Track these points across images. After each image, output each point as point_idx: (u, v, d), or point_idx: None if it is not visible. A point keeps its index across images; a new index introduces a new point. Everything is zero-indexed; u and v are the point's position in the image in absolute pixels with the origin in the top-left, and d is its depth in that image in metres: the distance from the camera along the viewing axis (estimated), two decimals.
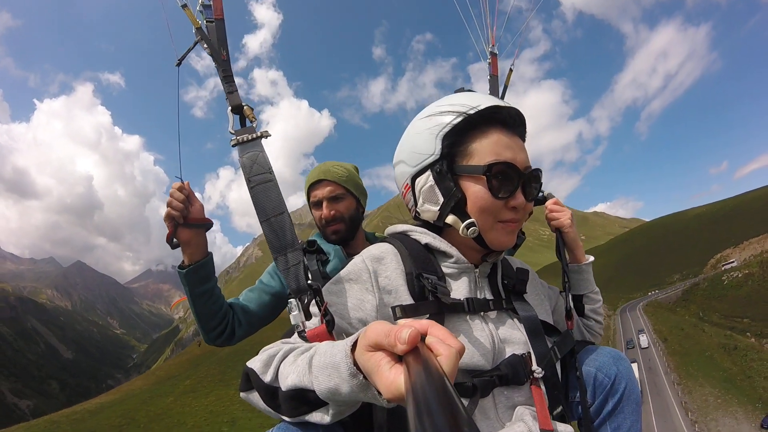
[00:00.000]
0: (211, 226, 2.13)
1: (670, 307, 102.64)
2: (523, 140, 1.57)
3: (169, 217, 1.99)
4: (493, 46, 2.96)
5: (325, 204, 2.59)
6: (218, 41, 2.09)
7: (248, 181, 1.86)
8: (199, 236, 2.07)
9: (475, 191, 1.46)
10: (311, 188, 2.66)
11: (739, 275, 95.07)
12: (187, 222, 2.03)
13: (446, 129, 1.47)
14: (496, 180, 1.44)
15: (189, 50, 2.15)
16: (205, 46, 2.07)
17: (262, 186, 1.86)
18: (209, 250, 2.14)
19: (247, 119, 2.03)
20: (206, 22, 2.10)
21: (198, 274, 2.08)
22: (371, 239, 2.79)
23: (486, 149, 1.45)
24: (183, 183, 2.04)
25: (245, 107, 2.03)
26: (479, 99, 1.48)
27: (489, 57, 2.96)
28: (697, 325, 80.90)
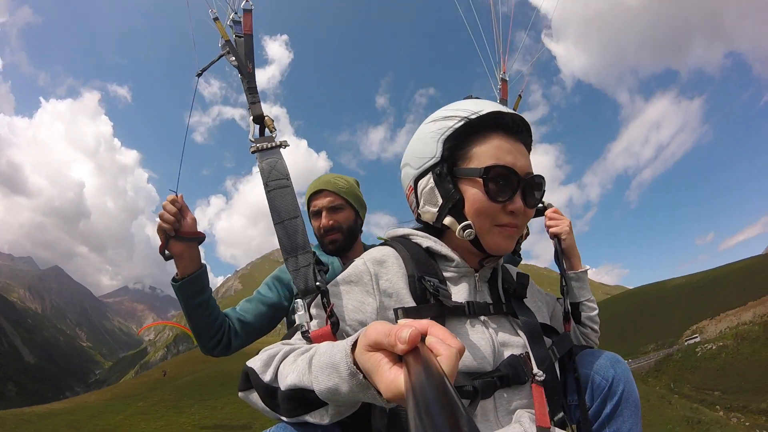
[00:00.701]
0: (204, 239, 2.14)
1: (642, 377, 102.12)
2: (528, 148, 1.58)
3: (161, 230, 2.02)
4: (504, 72, 3.06)
5: (324, 213, 2.65)
6: (245, 54, 2.16)
7: (266, 185, 1.88)
8: (192, 249, 2.09)
9: (472, 194, 1.47)
10: (311, 198, 2.73)
11: (713, 347, 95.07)
12: (179, 235, 2.04)
13: (448, 132, 1.49)
14: (493, 183, 1.44)
15: (213, 62, 2.23)
16: (232, 59, 2.14)
17: (279, 191, 1.88)
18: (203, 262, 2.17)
19: (267, 129, 2.08)
20: (235, 36, 2.20)
21: (192, 286, 2.10)
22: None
23: (486, 153, 1.46)
24: (177, 196, 2.06)
25: (266, 117, 2.07)
26: (483, 105, 1.50)
27: (500, 83, 3.06)
28: (665, 397, 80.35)
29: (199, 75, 2.35)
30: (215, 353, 2.32)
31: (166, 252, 2.08)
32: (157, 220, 2.05)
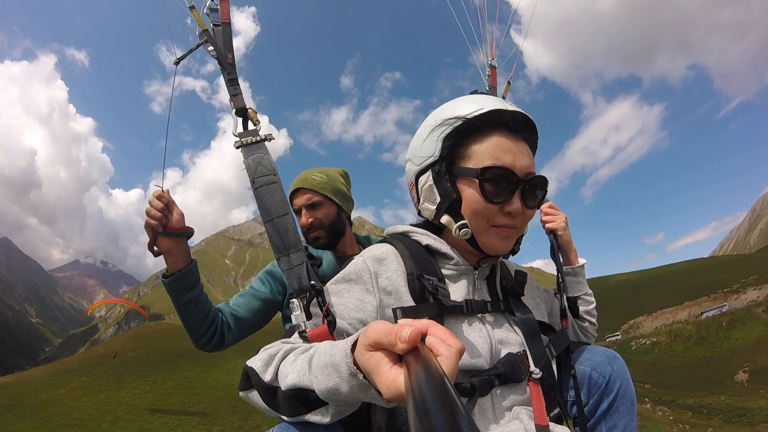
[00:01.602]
0: (192, 234, 2.12)
1: None
2: (532, 145, 1.56)
3: (148, 226, 1.99)
4: (492, 59, 3.07)
5: (303, 212, 2.63)
6: (224, 45, 2.13)
7: (253, 182, 1.90)
8: (180, 245, 2.07)
9: (469, 194, 1.47)
10: (291, 198, 2.68)
11: (647, 342, 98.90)
12: (167, 231, 2.02)
13: (447, 131, 1.48)
14: (490, 184, 1.43)
15: (191, 51, 2.19)
16: (210, 48, 2.11)
17: (267, 187, 1.89)
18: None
19: (250, 121, 2.06)
20: (213, 25, 2.15)
21: (181, 283, 2.09)
22: (365, 243, 2.83)
23: (485, 153, 1.45)
24: (163, 191, 2.04)
25: (249, 110, 2.06)
26: (484, 102, 1.47)
27: (488, 69, 3.07)
28: None
29: (176, 63, 2.30)
30: (208, 348, 2.28)
31: (155, 248, 2.05)
32: (145, 216, 2.02)
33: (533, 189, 1.50)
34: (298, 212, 2.66)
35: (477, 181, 1.44)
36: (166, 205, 2.02)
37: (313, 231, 2.61)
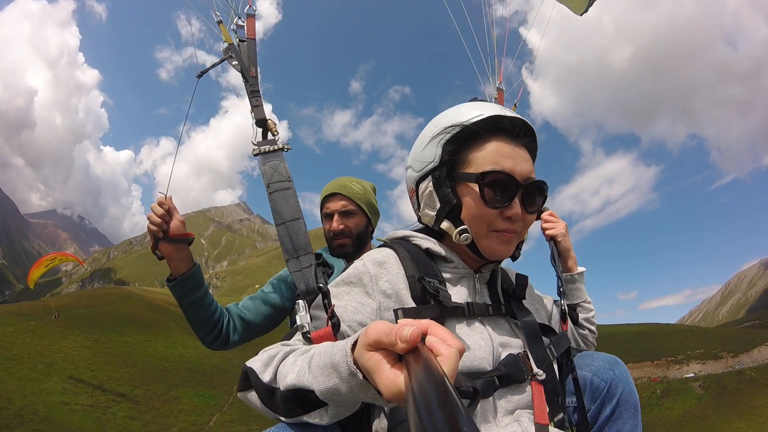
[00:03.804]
0: (193, 240, 2.19)
1: None
2: (532, 151, 1.56)
3: (149, 232, 2.06)
4: (500, 82, 3.08)
5: (335, 217, 2.63)
6: (248, 59, 2.25)
7: (268, 186, 1.99)
8: (181, 251, 2.13)
9: (469, 199, 1.47)
10: (325, 200, 2.70)
11: None
12: (167, 237, 2.08)
13: (447, 137, 1.48)
14: (490, 189, 1.43)
15: (214, 65, 2.35)
16: (235, 62, 2.24)
17: (282, 193, 1.98)
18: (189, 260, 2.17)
19: (269, 132, 2.18)
20: (239, 41, 2.28)
21: (184, 286, 2.14)
22: None
23: (485, 158, 1.45)
24: (166, 198, 2.10)
25: (269, 121, 2.17)
26: (484, 108, 1.48)
27: (495, 92, 3.08)
28: None
29: (199, 77, 2.39)
30: (214, 347, 2.30)
31: (158, 252, 2.10)
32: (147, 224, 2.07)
33: (533, 194, 1.50)
34: (329, 216, 2.66)
35: (477, 185, 1.44)
36: (167, 211, 2.08)
37: (341, 238, 2.61)
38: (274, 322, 2.54)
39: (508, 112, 1.49)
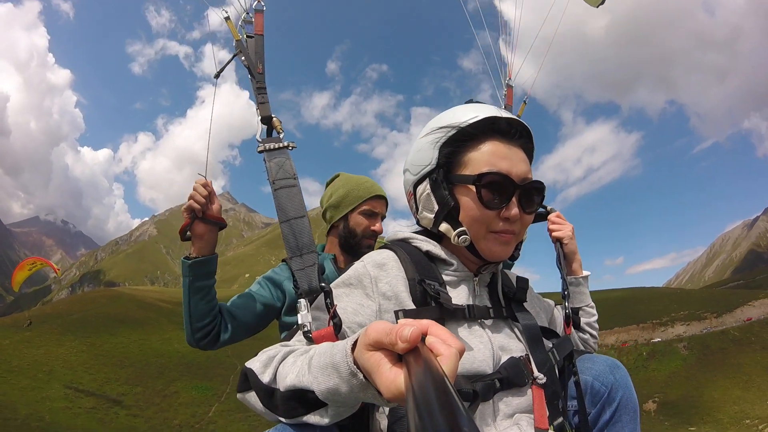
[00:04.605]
0: (225, 226, 2.23)
1: None
2: (528, 152, 1.56)
3: (189, 209, 2.10)
4: (510, 78, 3.13)
5: (379, 219, 2.71)
6: (255, 55, 2.25)
7: (272, 183, 1.98)
8: (212, 233, 2.18)
9: (467, 201, 1.47)
10: (371, 199, 2.70)
11: None
12: (206, 217, 2.13)
13: (443, 139, 1.49)
14: (487, 190, 1.43)
15: (227, 63, 2.33)
16: (243, 58, 2.24)
17: (286, 190, 1.97)
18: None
19: (274, 130, 2.16)
20: (246, 36, 2.28)
21: (203, 267, 2.16)
22: None
23: (481, 159, 1.46)
24: (207, 181, 2.16)
25: (274, 119, 2.15)
26: (479, 110, 1.48)
27: (505, 88, 3.12)
28: None
29: (216, 77, 2.42)
30: (202, 344, 2.24)
31: (187, 233, 2.15)
32: (188, 201, 2.11)
33: (531, 194, 1.51)
34: (374, 215, 2.70)
35: (474, 187, 1.44)
36: (209, 193, 2.13)
37: (373, 239, 2.67)
38: (264, 321, 2.50)
39: (503, 113, 1.50)
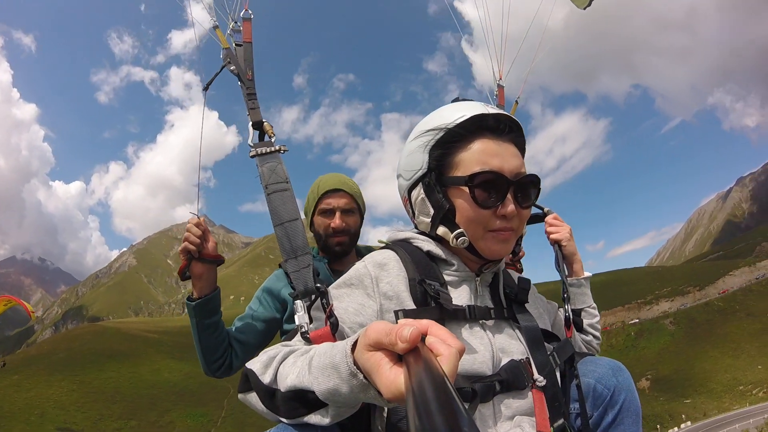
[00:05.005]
0: (223, 262, 2.22)
1: None
2: (520, 146, 1.54)
3: (185, 251, 2.09)
4: (500, 79, 3.08)
5: (338, 214, 2.55)
6: (245, 62, 2.26)
7: (266, 188, 1.98)
8: (211, 271, 2.17)
9: (461, 202, 1.46)
10: (325, 195, 2.60)
11: None
12: (202, 257, 2.11)
13: (432, 142, 1.47)
14: (480, 190, 1.42)
15: (216, 74, 2.31)
16: (233, 67, 2.25)
17: (279, 194, 1.97)
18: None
19: (266, 134, 2.16)
20: (235, 45, 2.29)
21: (207, 306, 2.16)
22: (364, 253, 2.70)
23: (472, 159, 1.43)
24: (200, 219, 2.13)
25: (265, 123, 2.15)
26: (466, 109, 1.46)
27: (496, 89, 3.09)
28: None
29: (205, 90, 2.41)
30: (218, 374, 2.29)
31: (186, 273, 2.13)
32: (183, 243, 2.10)
33: (526, 189, 1.49)
34: (330, 212, 2.58)
35: (467, 188, 1.43)
36: (203, 232, 2.10)
37: (341, 236, 2.56)
38: (269, 337, 2.50)
39: (491, 110, 1.47)
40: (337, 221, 2.53)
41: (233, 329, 2.42)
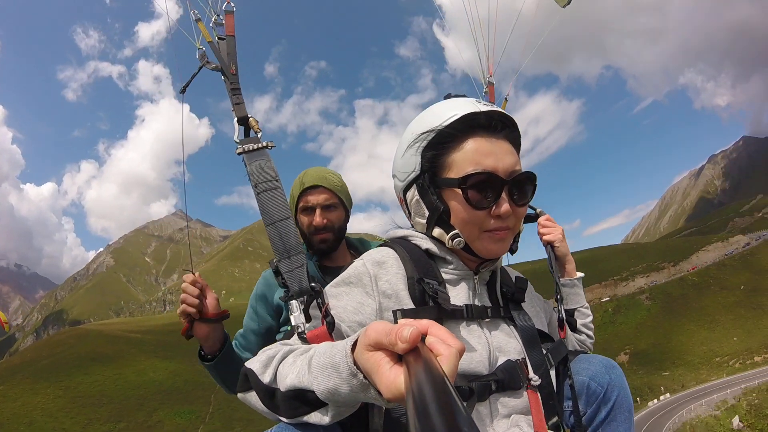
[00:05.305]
0: (228, 317, 2.08)
1: None
2: (514, 142, 1.53)
3: (184, 314, 1.98)
4: (490, 75, 3.09)
5: (318, 211, 2.48)
6: (228, 56, 2.20)
7: (255, 186, 1.92)
8: (218, 330, 2.07)
9: (455, 204, 1.45)
10: (305, 193, 2.53)
11: None
12: (204, 318, 1.99)
13: (424, 144, 1.46)
14: (473, 191, 1.41)
15: (194, 75, 2.28)
16: (213, 65, 2.19)
17: (270, 192, 1.90)
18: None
19: (252, 130, 2.10)
20: (218, 38, 2.23)
21: (224, 361, 2.11)
22: (357, 247, 2.75)
23: (464, 160, 1.43)
24: (195, 276, 2.01)
25: (250, 119, 2.09)
26: (457, 108, 1.44)
27: (486, 86, 3.08)
28: None
29: (182, 92, 2.34)
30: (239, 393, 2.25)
31: (191, 334, 2.00)
32: (180, 304, 1.99)
33: (522, 186, 1.48)
34: (310, 210, 2.52)
35: (460, 190, 1.42)
36: (201, 290, 2.00)
37: (324, 233, 2.49)
38: (270, 342, 2.23)
39: (482, 107, 1.45)
40: (317, 219, 2.47)
41: (238, 344, 2.46)
